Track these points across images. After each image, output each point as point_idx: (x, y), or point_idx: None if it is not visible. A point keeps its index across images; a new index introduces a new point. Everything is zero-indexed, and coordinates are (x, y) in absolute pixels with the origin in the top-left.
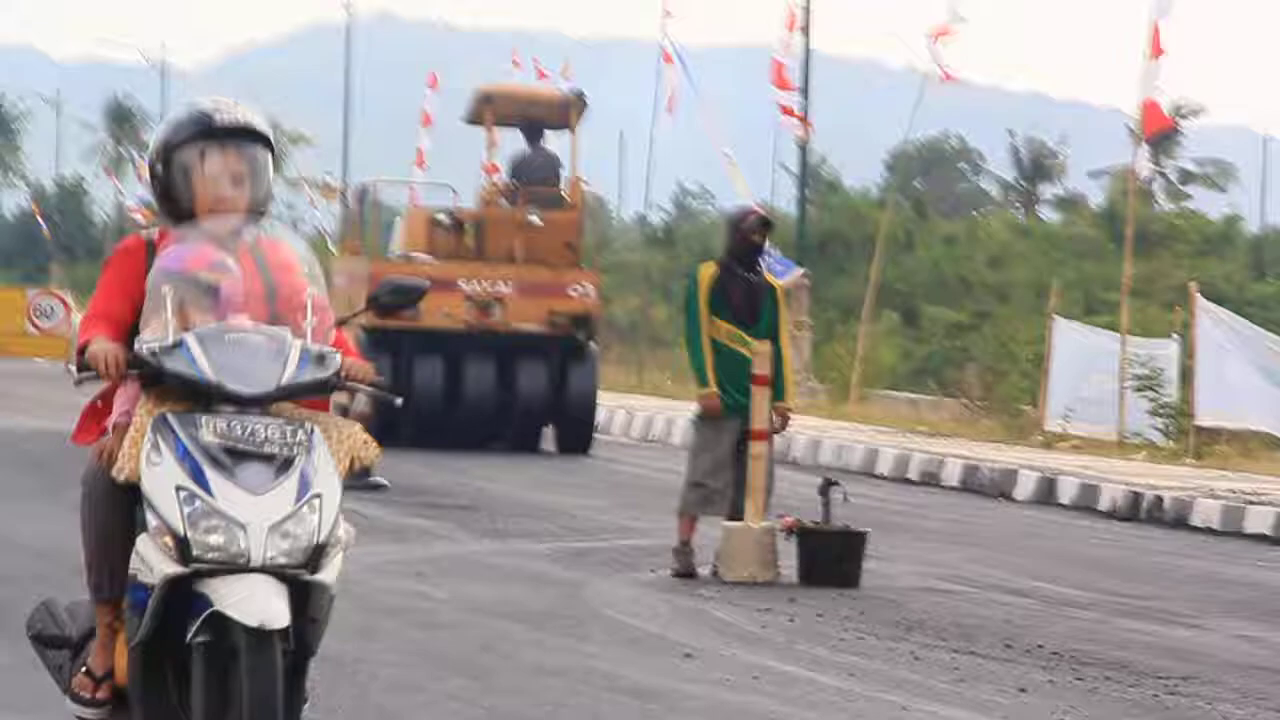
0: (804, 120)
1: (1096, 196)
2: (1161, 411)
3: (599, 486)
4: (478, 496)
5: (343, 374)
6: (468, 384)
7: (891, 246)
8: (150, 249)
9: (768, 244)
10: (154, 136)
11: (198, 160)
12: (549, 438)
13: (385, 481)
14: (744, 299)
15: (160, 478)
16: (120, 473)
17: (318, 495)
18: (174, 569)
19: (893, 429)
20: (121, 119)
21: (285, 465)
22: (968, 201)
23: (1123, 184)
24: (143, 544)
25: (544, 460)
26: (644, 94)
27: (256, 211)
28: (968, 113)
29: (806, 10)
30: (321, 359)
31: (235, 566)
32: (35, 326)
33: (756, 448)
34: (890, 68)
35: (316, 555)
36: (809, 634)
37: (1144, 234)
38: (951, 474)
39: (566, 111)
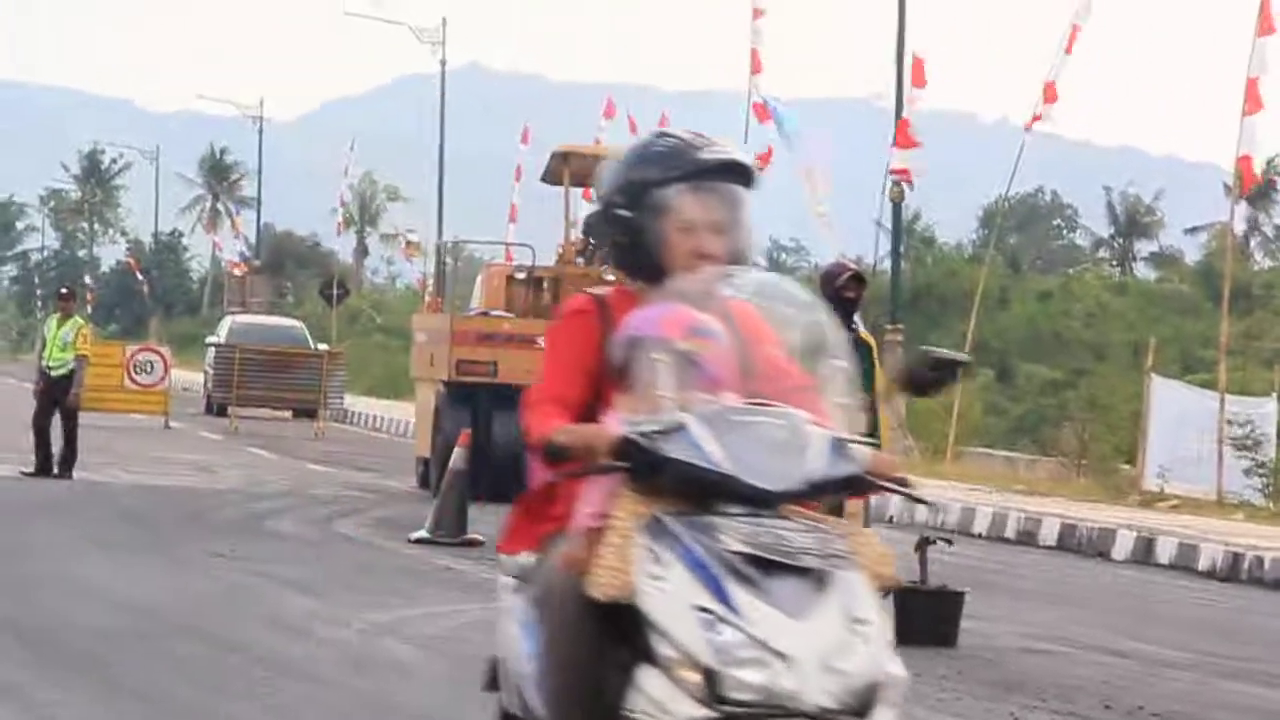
0: (904, 178)
1: (1192, 253)
2: (1260, 471)
3: None
4: None
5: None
6: None
7: (986, 302)
8: (604, 310)
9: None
10: (613, 173)
11: (675, 203)
12: None
13: (481, 537)
14: None
15: (669, 596)
16: (602, 590)
17: (866, 620)
18: (700, 712)
19: (989, 487)
20: (219, 173)
21: (819, 581)
22: (1062, 258)
23: (1219, 240)
24: (648, 679)
25: None
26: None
27: (734, 265)
28: (1060, 167)
29: (899, 65)
30: (844, 450)
31: (779, 710)
32: (134, 382)
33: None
34: (984, 121)
35: (868, 697)
36: (906, 694)
37: (1241, 291)
38: (1049, 533)
39: None
